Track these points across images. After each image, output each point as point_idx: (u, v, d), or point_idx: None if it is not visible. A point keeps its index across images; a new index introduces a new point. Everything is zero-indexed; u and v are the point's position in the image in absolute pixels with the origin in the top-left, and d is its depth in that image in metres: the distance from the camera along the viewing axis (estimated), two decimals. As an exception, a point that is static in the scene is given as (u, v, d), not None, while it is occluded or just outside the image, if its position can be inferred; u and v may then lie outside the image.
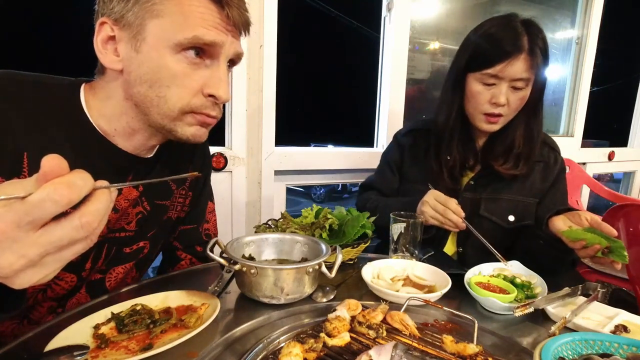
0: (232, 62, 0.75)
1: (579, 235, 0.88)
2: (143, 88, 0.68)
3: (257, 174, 1.62)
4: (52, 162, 0.36)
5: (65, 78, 0.76)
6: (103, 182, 0.41)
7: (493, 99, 1.09)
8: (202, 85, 0.69)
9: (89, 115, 0.73)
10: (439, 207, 1.05)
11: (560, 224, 0.96)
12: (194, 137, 0.74)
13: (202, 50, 0.68)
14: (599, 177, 2.92)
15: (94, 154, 0.73)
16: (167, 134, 0.74)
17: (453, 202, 1.05)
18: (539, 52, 1.06)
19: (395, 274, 0.90)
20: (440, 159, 1.22)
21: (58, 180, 0.36)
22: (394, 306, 0.73)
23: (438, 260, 0.97)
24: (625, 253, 0.82)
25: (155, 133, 0.75)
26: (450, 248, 1.25)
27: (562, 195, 1.24)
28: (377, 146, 2.00)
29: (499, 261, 0.96)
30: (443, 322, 0.73)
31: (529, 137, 1.17)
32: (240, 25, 0.71)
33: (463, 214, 1.04)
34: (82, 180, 0.37)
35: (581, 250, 0.89)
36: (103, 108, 0.73)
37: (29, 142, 0.66)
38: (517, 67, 1.05)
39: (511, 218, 1.19)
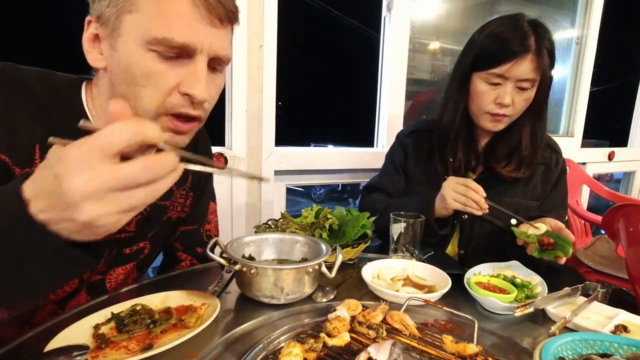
0: (215, 62, 0.69)
1: (519, 234, 0.98)
2: (122, 87, 0.66)
3: (257, 174, 1.62)
4: (117, 105, 0.43)
5: (66, 75, 0.75)
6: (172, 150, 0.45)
7: (498, 99, 1.08)
8: (178, 83, 0.65)
9: (89, 114, 0.73)
10: (460, 188, 1.04)
11: (524, 229, 0.99)
12: (167, 142, 0.70)
13: (176, 51, 0.64)
14: (599, 177, 2.92)
15: None
16: None
17: (472, 182, 1.04)
18: (546, 53, 1.05)
19: (395, 274, 0.90)
20: (444, 159, 1.22)
21: (133, 119, 0.42)
22: (394, 306, 0.73)
23: (438, 260, 0.97)
24: (570, 249, 0.91)
25: None
26: (451, 250, 1.25)
27: (561, 197, 1.23)
28: (377, 146, 2.00)
29: (500, 261, 0.96)
30: (443, 322, 0.73)
31: (532, 140, 1.16)
32: (224, 17, 0.66)
33: (484, 193, 1.03)
34: (152, 126, 0.42)
35: (527, 248, 0.97)
36: (97, 105, 0.73)
37: (39, 135, 0.66)
38: (524, 67, 1.04)
39: (513, 221, 1.18)
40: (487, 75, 1.09)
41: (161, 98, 0.65)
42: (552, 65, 1.09)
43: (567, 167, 1.29)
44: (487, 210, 1.03)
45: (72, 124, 0.69)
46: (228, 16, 0.67)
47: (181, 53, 0.64)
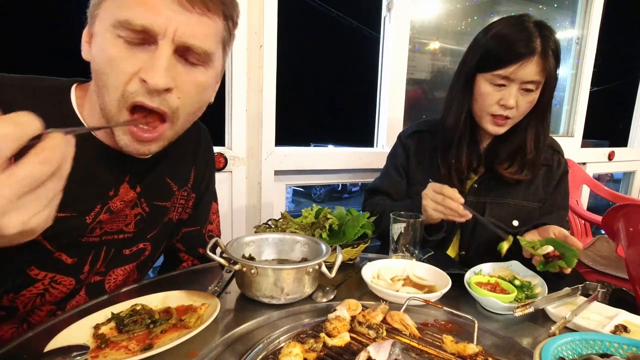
0: (187, 53, 0.65)
1: (526, 245, 0.94)
2: (94, 77, 0.65)
3: (257, 174, 1.62)
4: None
5: (56, 79, 0.74)
6: (53, 130, 0.42)
7: (502, 100, 1.07)
8: (138, 69, 0.62)
9: (79, 115, 0.72)
10: (438, 197, 1.03)
11: (529, 237, 0.97)
12: (127, 147, 0.67)
13: (140, 36, 0.61)
14: (599, 177, 2.92)
15: (86, 155, 0.71)
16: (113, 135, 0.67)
17: (449, 190, 1.01)
18: (552, 55, 1.04)
19: (395, 274, 0.90)
20: (447, 161, 1.21)
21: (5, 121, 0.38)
22: (394, 306, 0.73)
23: (438, 260, 0.97)
24: (575, 259, 0.87)
25: None
26: (452, 252, 1.25)
27: (562, 198, 1.23)
28: (377, 146, 2.00)
29: (500, 261, 0.96)
30: (443, 322, 0.73)
31: (536, 142, 1.15)
32: (198, 1, 0.62)
33: (462, 200, 1.01)
34: (25, 116, 0.39)
35: (533, 259, 0.92)
36: (89, 103, 0.73)
37: None
38: (529, 69, 1.03)
39: (515, 223, 1.17)
40: (491, 76, 1.08)
41: (122, 86, 0.63)
42: (557, 67, 1.08)
43: (569, 168, 1.29)
44: (470, 216, 1.01)
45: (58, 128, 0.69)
46: (204, 2, 0.63)
47: (145, 39, 0.62)
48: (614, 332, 0.69)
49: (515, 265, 0.96)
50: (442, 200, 1.02)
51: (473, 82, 1.13)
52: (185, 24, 0.62)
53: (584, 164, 2.71)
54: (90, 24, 0.66)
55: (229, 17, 0.70)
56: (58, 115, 0.70)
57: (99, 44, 0.63)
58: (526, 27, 1.05)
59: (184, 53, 0.65)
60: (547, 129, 1.17)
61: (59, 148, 0.41)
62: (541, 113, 1.13)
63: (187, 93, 0.67)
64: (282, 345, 0.62)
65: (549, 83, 1.08)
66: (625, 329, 0.69)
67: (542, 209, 1.20)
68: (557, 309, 0.76)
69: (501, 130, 1.13)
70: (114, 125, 0.64)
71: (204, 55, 0.66)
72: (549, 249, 0.90)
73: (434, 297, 0.78)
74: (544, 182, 1.21)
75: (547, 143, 1.20)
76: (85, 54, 0.69)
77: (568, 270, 0.88)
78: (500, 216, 1.18)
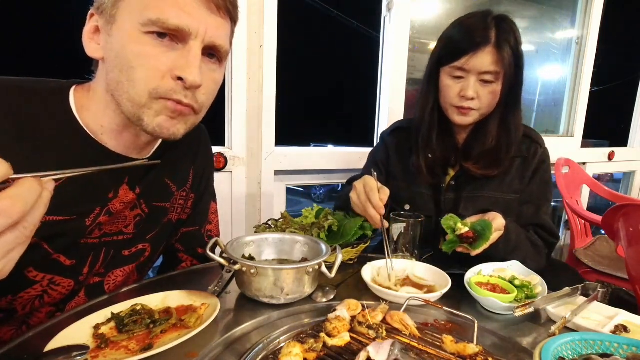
0: (211, 50, 0.69)
1: (445, 225, 0.96)
2: (115, 73, 0.65)
3: (257, 174, 1.62)
4: None
5: (53, 80, 0.74)
6: (26, 175, 0.40)
7: (462, 92, 1.09)
8: (171, 67, 0.64)
9: (78, 118, 0.71)
10: (362, 196, 1.01)
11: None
12: (161, 128, 0.67)
13: (170, 34, 0.63)
14: (599, 177, 2.92)
15: (84, 159, 0.71)
16: (138, 125, 0.68)
17: (375, 197, 0.98)
18: (508, 47, 1.04)
19: (396, 274, 0.90)
20: (424, 156, 1.20)
21: None
22: (394, 306, 0.73)
23: (438, 260, 0.97)
24: (483, 243, 0.90)
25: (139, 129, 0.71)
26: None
27: (540, 188, 1.20)
28: (377, 146, 2.00)
29: (497, 260, 0.96)
30: (443, 322, 0.73)
31: (504, 137, 1.14)
32: (222, 6, 0.66)
33: (383, 211, 0.98)
34: None
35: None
36: (91, 105, 0.72)
37: (11, 152, 0.64)
38: (483, 59, 1.04)
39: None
40: (450, 69, 1.10)
41: (154, 81, 0.64)
42: (517, 60, 1.07)
43: (567, 165, 1.28)
44: (386, 225, 0.99)
45: (57, 134, 0.69)
46: (226, 6, 0.67)
47: (176, 37, 0.64)
48: (614, 332, 0.69)
49: (515, 266, 0.96)
50: (365, 203, 1.00)
51: (438, 76, 1.15)
52: (213, 26, 0.66)
53: (584, 164, 2.71)
54: (105, 20, 0.66)
55: (235, 21, 0.74)
56: (55, 119, 0.70)
57: (121, 40, 0.64)
58: (484, 20, 1.06)
59: (207, 52, 0.68)
60: (518, 122, 1.16)
61: (21, 198, 0.38)
62: (509, 106, 1.13)
63: (209, 89, 0.71)
64: (282, 345, 0.62)
65: (510, 75, 1.07)
66: (625, 329, 0.69)
67: (520, 200, 1.19)
68: (557, 309, 0.76)
69: (467, 120, 1.13)
70: (96, 169, 0.58)
71: (224, 55, 0.71)
72: (465, 229, 0.92)
73: (434, 297, 0.78)
74: (520, 174, 1.19)
75: (525, 134, 1.19)
76: (91, 51, 0.69)
77: (473, 253, 0.91)
78: (474, 209, 1.15)
